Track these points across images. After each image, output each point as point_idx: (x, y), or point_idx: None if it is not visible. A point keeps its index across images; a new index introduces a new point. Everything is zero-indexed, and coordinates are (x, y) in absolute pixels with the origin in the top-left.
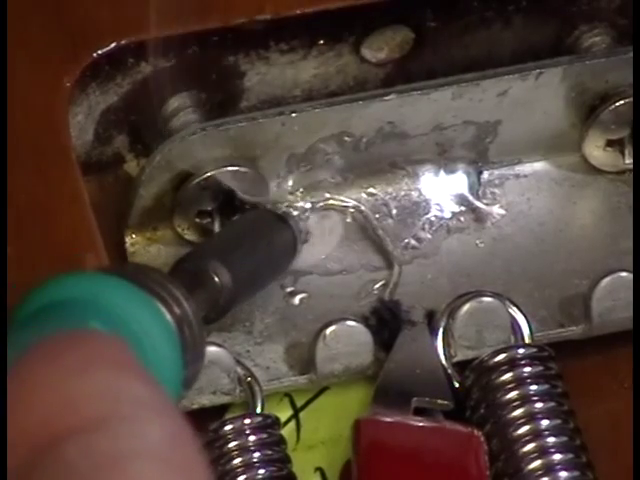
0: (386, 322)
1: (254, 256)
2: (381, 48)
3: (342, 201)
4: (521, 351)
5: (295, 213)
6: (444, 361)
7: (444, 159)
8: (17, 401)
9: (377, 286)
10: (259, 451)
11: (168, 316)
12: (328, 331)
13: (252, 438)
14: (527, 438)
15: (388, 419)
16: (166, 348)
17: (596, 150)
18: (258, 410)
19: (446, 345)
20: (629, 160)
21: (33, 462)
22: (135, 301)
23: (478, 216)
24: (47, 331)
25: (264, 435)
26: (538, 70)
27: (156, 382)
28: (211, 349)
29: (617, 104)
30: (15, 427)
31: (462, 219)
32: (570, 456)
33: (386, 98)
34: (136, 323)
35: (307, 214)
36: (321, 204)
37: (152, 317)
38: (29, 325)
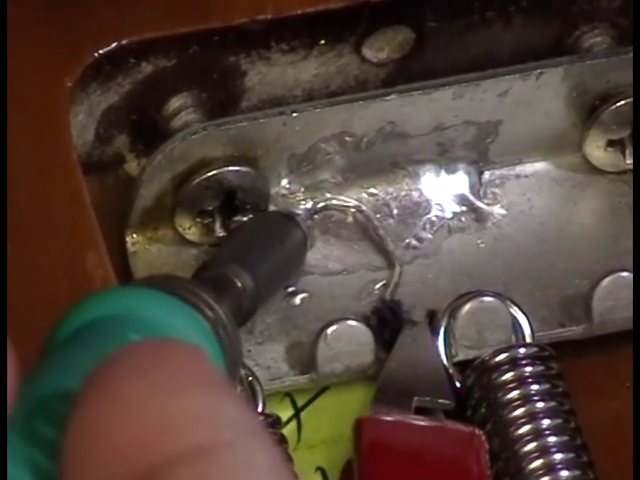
0: (387, 322)
1: (270, 256)
2: (382, 48)
3: (343, 201)
4: (522, 351)
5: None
6: (445, 361)
7: (445, 159)
8: (108, 418)
9: (378, 286)
10: None
11: (204, 321)
12: (329, 331)
13: None
14: (528, 438)
15: (389, 418)
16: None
17: (597, 150)
18: (259, 409)
19: (447, 345)
20: (630, 160)
21: None
22: (169, 309)
23: (479, 216)
24: (90, 349)
25: None
26: (539, 70)
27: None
28: None
29: (618, 104)
30: (108, 447)
31: (463, 219)
32: (571, 455)
33: (387, 98)
34: (173, 330)
35: (308, 214)
36: (322, 204)
37: (189, 323)
38: (72, 345)
